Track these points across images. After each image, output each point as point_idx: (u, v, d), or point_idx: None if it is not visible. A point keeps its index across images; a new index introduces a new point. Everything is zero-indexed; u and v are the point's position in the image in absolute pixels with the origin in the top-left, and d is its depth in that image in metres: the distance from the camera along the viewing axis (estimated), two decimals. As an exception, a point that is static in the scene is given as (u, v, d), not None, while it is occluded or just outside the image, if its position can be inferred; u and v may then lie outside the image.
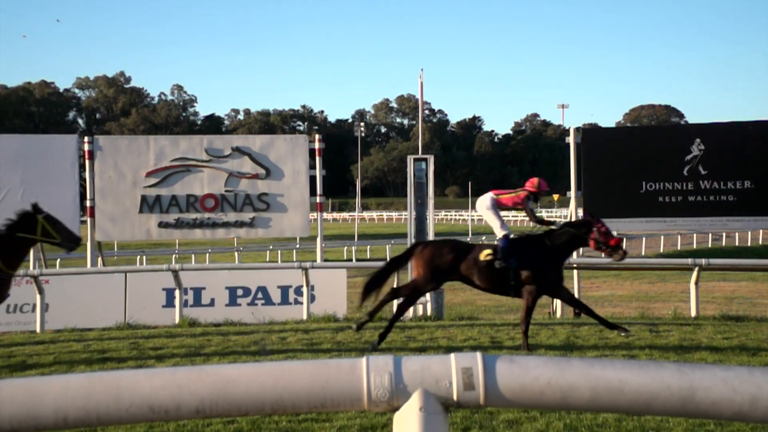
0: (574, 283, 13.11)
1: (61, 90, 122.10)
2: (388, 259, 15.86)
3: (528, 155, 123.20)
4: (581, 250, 14.67)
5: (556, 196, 75.66)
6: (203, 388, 1.66)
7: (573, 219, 9.38)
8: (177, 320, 12.25)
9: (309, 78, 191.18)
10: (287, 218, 14.35)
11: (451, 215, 75.74)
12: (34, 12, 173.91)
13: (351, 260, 33.69)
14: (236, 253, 33.79)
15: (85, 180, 14.23)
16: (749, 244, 38.62)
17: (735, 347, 8.77)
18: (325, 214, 31.79)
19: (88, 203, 14.00)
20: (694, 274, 12.05)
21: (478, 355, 1.70)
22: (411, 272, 9.24)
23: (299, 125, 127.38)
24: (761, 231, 38.14)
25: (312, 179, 14.47)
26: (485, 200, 9.45)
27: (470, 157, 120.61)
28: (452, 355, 1.71)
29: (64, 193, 13.62)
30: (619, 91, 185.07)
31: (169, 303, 13.13)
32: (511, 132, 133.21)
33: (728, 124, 14.18)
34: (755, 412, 1.60)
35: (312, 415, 5.47)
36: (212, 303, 13.50)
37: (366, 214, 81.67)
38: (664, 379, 1.63)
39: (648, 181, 13.17)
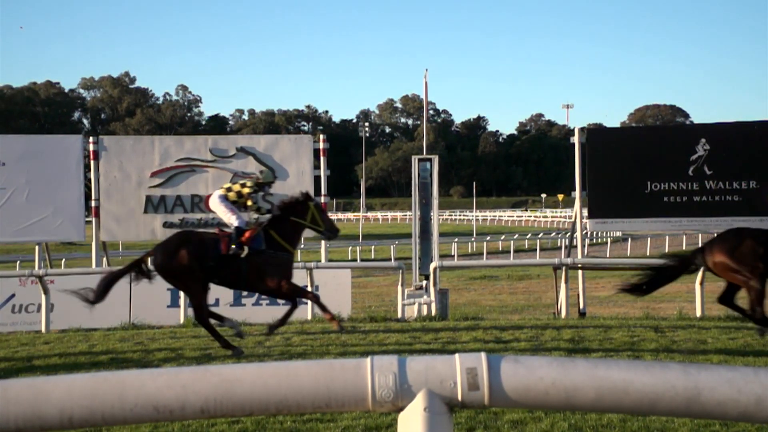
0: (578, 283, 13.09)
1: (66, 90, 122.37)
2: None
3: (533, 155, 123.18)
4: (585, 250, 14.68)
5: (560, 197, 75.72)
6: (207, 388, 1.66)
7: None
8: (182, 320, 12.28)
9: (313, 78, 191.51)
10: (292, 218, 14.32)
11: (455, 215, 75.72)
12: (36, 12, 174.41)
13: (356, 260, 33.73)
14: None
15: (90, 180, 14.23)
16: (754, 244, 38.44)
17: (740, 348, 8.75)
18: (329, 214, 31.70)
19: (93, 203, 13.99)
20: (700, 273, 12.01)
21: (483, 355, 1.69)
22: (730, 276, 8.74)
23: (304, 125, 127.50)
24: (767, 231, 37.94)
25: (316, 179, 14.45)
26: None
27: (475, 157, 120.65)
28: (457, 356, 1.70)
29: (69, 194, 13.63)
30: (624, 91, 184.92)
31: (174, 303, 13.16)
32: (515, 132, 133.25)
33: (733, 124, 14.14)
34: (761, 412, 1.60)
35: (316, 415, 5.48)
36: (216, 303, 13.49)
37: (370, 214, 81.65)
38: (669, 379, 1.63)
39: (653, 181, 13.14)
